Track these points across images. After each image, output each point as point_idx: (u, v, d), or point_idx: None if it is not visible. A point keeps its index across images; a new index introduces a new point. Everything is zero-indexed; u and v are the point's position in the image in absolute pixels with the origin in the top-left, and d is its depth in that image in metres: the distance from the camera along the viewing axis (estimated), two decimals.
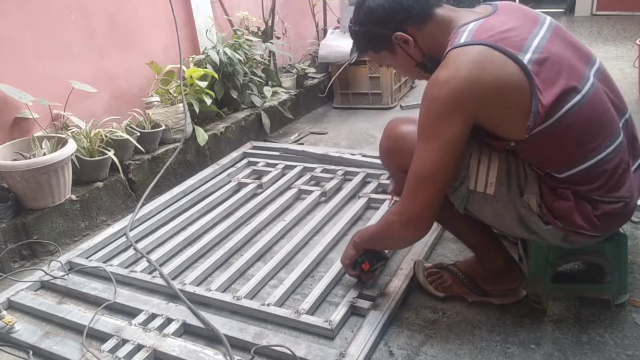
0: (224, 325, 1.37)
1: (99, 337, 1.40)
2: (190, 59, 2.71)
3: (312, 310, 1.43)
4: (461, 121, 1.11)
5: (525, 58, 1.07)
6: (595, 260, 1.33)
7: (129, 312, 1.49)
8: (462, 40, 1.12)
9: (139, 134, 2.21)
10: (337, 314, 1.37)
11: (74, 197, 1.97)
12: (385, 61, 1.35)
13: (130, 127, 2.23)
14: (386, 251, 1.53)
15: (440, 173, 1.15)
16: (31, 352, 1.38)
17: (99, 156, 2.04)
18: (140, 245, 1.84)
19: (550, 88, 1.07)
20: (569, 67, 1.11)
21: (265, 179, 2.27)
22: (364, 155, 2.38)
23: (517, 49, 1.08)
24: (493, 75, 1.07)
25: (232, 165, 2.48)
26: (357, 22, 1.35)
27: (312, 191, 2.11)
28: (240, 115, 2.81)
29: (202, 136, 2.46)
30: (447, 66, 1.11)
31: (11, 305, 1.59)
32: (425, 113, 1.15)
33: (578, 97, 1.09)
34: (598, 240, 1.24)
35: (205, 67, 2.62)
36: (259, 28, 3.17)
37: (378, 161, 2.28)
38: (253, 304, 1.44)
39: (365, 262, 1.44)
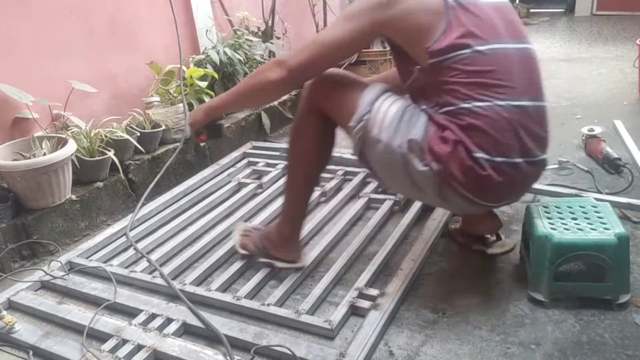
0: (224, 325, 1.37)
1: (99, 337, 1.40)
2: (191, 59, 2.71)
3: (312, 310, 1.43)
4: (377, 19, 1.26)
5: None
6: (597, 260, 1.33)
7: (129, 312, 1.49)
8: None
9: (139, 134, 2.21)
10: (337, 314, 1.37)
11: (74, 197, 1.97)
12: None
13: (130, 127, 2.23)
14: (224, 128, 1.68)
15: (335, 47, 1.31)
16: (31, 352, 1.38)
17: (99, 156, 2.04)
18: (140, 245, 1.84)
19: (459, 27, 1.22)
20: (487, 23, 1.25)
21: (265, 179, 2.27)
22: None
23: None
24: None
25: (232, 165, 2.48)
26: None
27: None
28: (240, 115, 2.81)
29: None
30: None
31: (11, 305, 1.59)
32: (355, 2, 1.32)
33: (482, 45, 1.22)
34: (473, 208, 1.35)
35: (206, 67, 2.62)
36: (259, 28, 3.17)
37: None
38: (253, 304, 1.44)
39: (205, 134, 1.57)
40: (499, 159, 1.23)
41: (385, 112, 1.30)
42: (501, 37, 1.26)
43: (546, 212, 1.46)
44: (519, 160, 1.26)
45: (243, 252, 1.67)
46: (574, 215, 1.44)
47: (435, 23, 1.23)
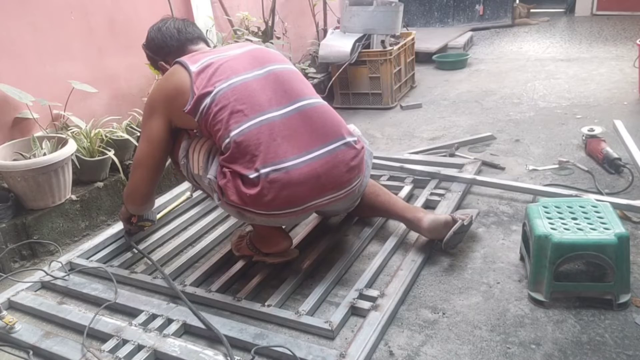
0: (224, 325, 1.37)
1: (100, 337, 1.40)
2: None
3: (313, 311, 1.43)
4: (158, 118, 1.52)
5: (193, 67, 1.47)
6: (597, 260, 1.33)
7: (129, 313, 1.50)
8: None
9: (139, 134, 2.21)
10: (337, 315, 1.37)
11: (74, 197, 1.97)
12: (156, 67, 1.72)
13: (131, 127, 2.23)
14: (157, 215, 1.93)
15: (146, 159, 1.56)
16: (31, 352, 1.38)
17: (99, 156, 2.04)
18: (140, 246, 1.84)
19: (201, 82, 1.44)
20: (225, 69, 1.47)
21: None
22: None
23: (193, 62, 1.48)
24: (172, 82, 1.50)
25: None
26: (144, 43, 1.72)
27: None
28: None
29: None
30: (156, 82, 1.61)
31: (11, 306, 1.59)
32: (143, 114, 1.58)
33: (220, 85, 1.43)
34: (280, 220, 1.48)
35: None
36: (259, 28, 3.17)
37: (378, 161, 2.28)
38: (253, 305, 1.45)
39: (135, 216, 1.79)
40: (269, 169, 1.37)
41: (197, 157, 1.51)
42: (240, 72, 1.47)
43: (546, 212, 1.46)
44: (294, 161, 1.39)
45: (238, 254, 1.70)
46: (574, 215, 1.44)
47: (187, 90, 1.46)
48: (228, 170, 1.41)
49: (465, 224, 1.58)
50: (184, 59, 1.51)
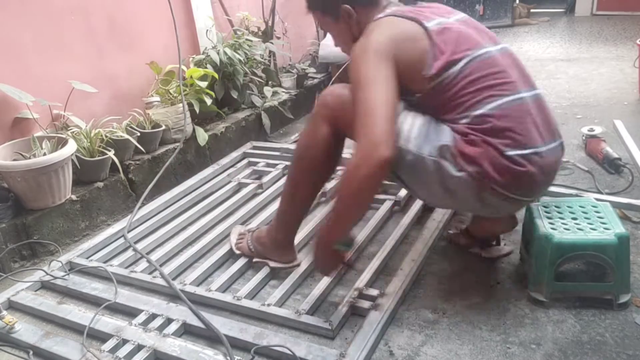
0: (224, 325, 1.37)
1: (100, 337, 1.40)
2: (191, 59, 2.71)
3: (313, 310, 1.43)
4: (386, 64, 1.26)
5: (428, 24, 1.30)
6: (597, 260, 1.33)
7: (129, 312, 1.49)
8: (378, 16, 1.36)
9: (139, 134, 2.21)
10: (338, 314, 1.37)
11: (74, 197, 1.97)
12: (327, 26, 1.52)
13: (131, 127, 2.23)
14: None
15: (385, 101, 1.24)
16: (31, 352, 1.38)
17: (99, 156, 2.04)
18: (140, 246, 1.84)
19: (446, 46, 1.28)
20: (467, 37, 1.33)
21: (265, 179, 2.27)
22: None
23: (424, 19, 1.31)
24: (399, 29, 1.31)
25: (233, 166, 2.48)
26: None
27: None
28: (241, 115, 2.81)
29: (202, 136, 2.46)
30: (362, 37, 1.33)
31: (11, 305, 1.59)
32: (355, 69, 1.29)
33: (472, 55, 1.29)
34: (513, 207, 1.38)
35: (206, 67, 2.62)
36: (259, 28, 3.17)
37: None
38: (253, 304, 1.45)
39: (343, 251, 1.37)
40: (528, 152, 1.26)
41: (412, 123, 1.30)
42: (483, 44, 1.33)
43: (546, 212, 1.46)
44: (543, 148, 1.29)
45: (238, 252, 1.70)
46: (574, 215, 1.44)
47: (423, 50, 1.28)
48: (480, 139, 1.25)
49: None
50: (405, 12, 1.34)
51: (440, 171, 1.27)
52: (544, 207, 1.48)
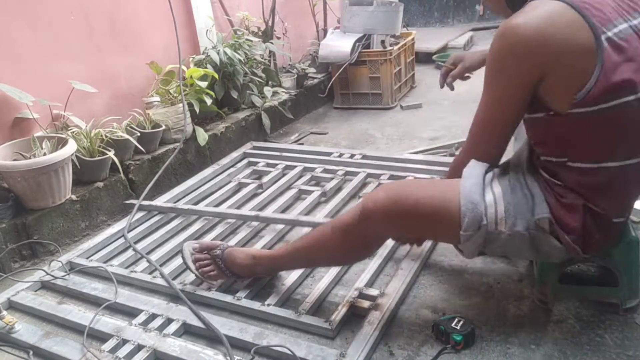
0: (224, 325, 1.37)
1: (100, 337, 1.40)
2: (191, 59, 2.71)
3: (313, 311, 1.43)
4: (528, 76, 1.05)
5: (605, 35, 1.00)
6: (605, 263, 1.31)
7: (129, 312, 1.49)
8: None
9: (139, 134, 2.21)
10: (338, 314, 1.37)
11: (74, 197, 1.97)
12: None
13: (131, 127, 2.23)
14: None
15: (505, 124, 1.13)
16: (31, 352, 1.38)
17: (99, 156, 2.04)
18: (140, 246, 1.84)
19: (614, 73, 1.00)
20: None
21: (265, 179, 2.27)
22: (364, 156, 2.38)
23: (601, 22, 1.01)
24: (566, 35, 1.00)
25: (233, 166, 2.48)
26: None
27: (312, 191, 2.11)
28: (241, 115, 2.81)
29: (203, 136, 2.46)
30: (521, 13, 1.05)
31: (11, 306, 1.59)
32: (492, 56, 1.10)
33: (631, 97, 1.01)
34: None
35: (206, 67, 2.62)
36: (259, 28, 3.17)
37: (378, 162, 2.29)
38: (253, 304, 1.44)
39: (460, 342, 1.25)
40: (615, 220, 1.14)
41: (492, 196, 1.16)
42: None
43: None
44: (627, 215, 1.18)
45: (215, 282, 1.54)
46: None
47: (587, 69, 1.00)
48: (580, 202, 1.10)
49: None
50: (584, 6, 1.01)
51: (539, 241, 1.15)
52: None
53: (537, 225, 1.13)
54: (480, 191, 1.16)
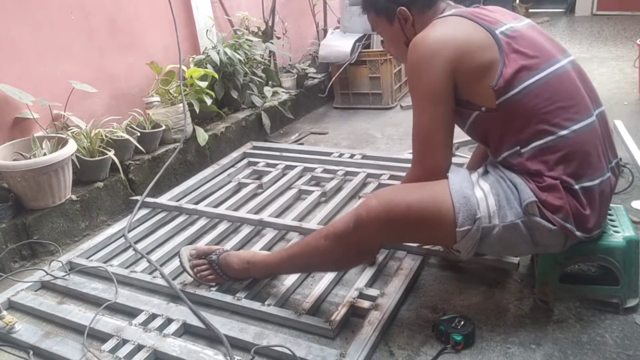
0: (224, 325, 1.37)
1: (100, 337, 1.40)
2: (191, 59, 2.71)
3: (313, 311, 1.43)
4: (442, 71, 1.19)
5: (497, 30, 1.20)
6: (604, 262, 1.31)
7: (129, 312, 1.49)
8: (443, 14, 1.29)
9: (139, 134, 2.21)
10: (338, 314, 1.37)
11: (74, 197, 1.97)
12: (380, 28, 1.43)
13: (131, 127, 2.23)
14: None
15: (439, 126, 1.23)
16: (31, 352, 1.38)
17: (99, 156, 2.04)
18: (140, 246, 1.84)
19: (517, 57, 1.17)
20: (540, 46, 1.21)
21: (265, 179, 2.27)
22: (364, 156, 2.38)
23: (491, 24, 1.21)
24: (465, 34, 1.20)
25: (233, 166, 2.48)
26: None
27: (312, 191, 2.11)
28: (241, 115, 2.81)
29: (203, 136, 2.46)
30: (425, 30, 1.25)
31: (11, 306, 1.59)
32: (408, 68, 1.26)
33: (547, 71, 1.18)
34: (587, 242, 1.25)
35: (206, 67, 2.62)
36: (259, 28, 3.17)
37: (378, 162, 2.29)
38: (253, 304, 1.44)
39: (460, 342, 1.26)
40: (597, 181, 1.18)
41: (482, 193, 1.20)
42: (556, 56, 1.22)
43: None
44: (608, 175, 1.22)
45: (212, 284, 1.55)
46: None
47: (492, 59, 1.17)
48: (556, 181, 1.16)
49: None
50: (471, 13, 1.25)
51: (534, 229, 1.18)
52: None
53: (527, 211, 1.17)
54: (471, 186, 1.21)
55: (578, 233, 1.18)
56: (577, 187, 1.16)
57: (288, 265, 1.44)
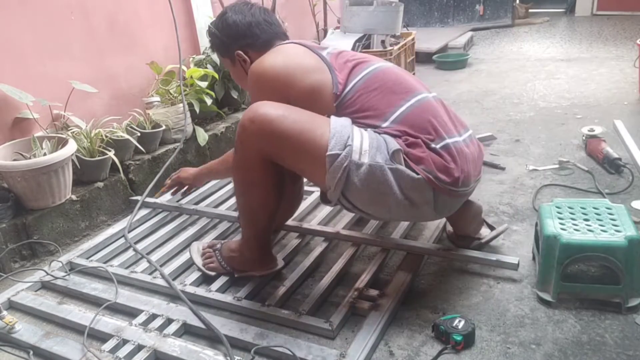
0: (224, 325, 1.37)
1: (100, 337, 1.40)
2: (191, 59, 2.71)
3: (313, 311, 1.43)
4: (275, 88, 1.39)
5: (324, 52, 1.45)
6: (605, 262, 1.31)
7: (129, 313, 1.50)
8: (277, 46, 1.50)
9: (139, 134, 2.21)
10: (338, 315, 1.37)
11: (74, 197, 1.97)
12: (226, 65, 1.62)
13: (131, 127, 2.23)
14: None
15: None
16: (32, 352, 1.38)
17: (99, 156, 2.05)
18: (140, 246, 1.84)
19: (344, 67, 1.42)
20: (359, 56, 1.49)
21: None
22: None
23: (317, 48, 1.46)
24: (295, 60, 1.42)
25: None
26: (215, 26, 1.56)
27: (312, 191, 2.11)
28: (241, 115, 2.81)
29: (203, 136, 2.46)
30: (262, 57, 1.44)
31: (12, 306, 1.59)
32: (251, 88, 1.45)
33: (370, 68, 1.43)
34: (456, 203, 1.45)
35: (206, 67, 2.62)
36: None
37: None
38: (254, 305, 1.45)
39: (460, 342, 1.25)
40: (451, 141, 1.36)
41: (361, 137, 1.32)
42: (372, 60, 1.48)
43: (558, 212, 1.45)
44: (460, 138, 1.40)
45: (212, 274, 1.61)
46: (586, 217, 1.42)
47: (325, 77, 1.40)
48: (413, 138, 1.34)
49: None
50: (300, 42, 1.50)
51: (399, 178, 1.30)
52: (557, 207, 1.47)
53: (393, 157, 1.30)
54: (350, 125, 1.35)
55: (443, 180, 1.31)
56: (435, 145, 1.33)
57: (249, 229, 1.53)
